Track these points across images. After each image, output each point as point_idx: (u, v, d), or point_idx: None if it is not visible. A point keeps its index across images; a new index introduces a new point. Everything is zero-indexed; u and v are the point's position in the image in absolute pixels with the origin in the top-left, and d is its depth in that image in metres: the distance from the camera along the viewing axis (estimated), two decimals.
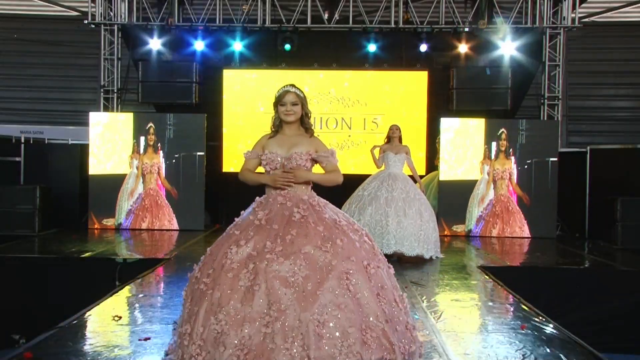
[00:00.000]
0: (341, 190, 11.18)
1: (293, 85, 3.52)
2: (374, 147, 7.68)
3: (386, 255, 6.95)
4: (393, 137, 7.45)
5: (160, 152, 9.78)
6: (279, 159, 3.44)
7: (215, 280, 3.10)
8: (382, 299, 3.13)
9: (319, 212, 3.31)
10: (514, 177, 9.68)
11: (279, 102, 3.51)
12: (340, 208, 7.36)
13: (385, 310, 3.11)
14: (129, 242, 8.68)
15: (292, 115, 3.48)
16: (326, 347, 2.90)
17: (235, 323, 2.97)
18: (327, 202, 3.49)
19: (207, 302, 3.07)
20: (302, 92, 3.52)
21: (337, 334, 2.93)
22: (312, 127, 3.56)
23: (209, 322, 3.02)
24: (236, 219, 3.41)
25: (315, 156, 3.47)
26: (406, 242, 6.98)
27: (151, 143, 9.79)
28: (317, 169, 3.55)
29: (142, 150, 9.78)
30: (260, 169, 3.55)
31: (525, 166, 9.64)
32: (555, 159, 9.56)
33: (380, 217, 7.05)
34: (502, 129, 9.72)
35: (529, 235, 9.58)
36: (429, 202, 7.66)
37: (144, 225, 9.76)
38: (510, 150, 9.67)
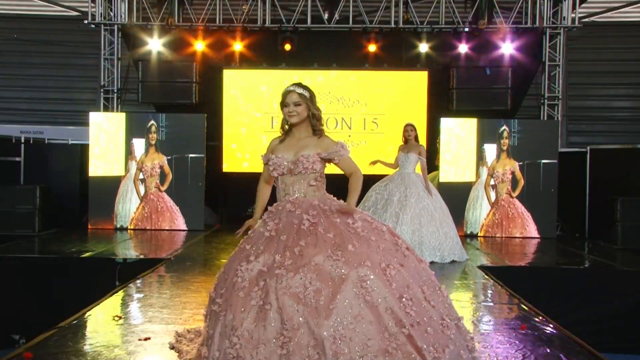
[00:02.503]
0: (343, 191, 11.19)
1: (299, 84, 3.33)
2: (372, 162, 7.51)
3: None
4: (408, 138, 7.39)
5: (160, 152, 9.66)
6: (285, 163, 3.24)
7: (228, 300, 2.94)
8: (407, 301, 2.89)
9: (329, 217, 3.12)
10: (517, 171, 9.51)
11: (283, 102, 3.31)
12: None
13: (411, 313, 2.87)
14: (128, 242, 8.68)
15: (295, 117, 3.27)
16: None
17: (250, 345, 2.80)
18: (342, 202, 3.28)
19: (221, 325, 2.92)
20: (308, 90, 3.31)
21: (357, 348, 2.73)
22: (321, 128, 3.32)
23: (224, 345, 2.86)
24: (249, 232, 3.25)
25: (326, 155, 3.25)
26: None
27: (153, 142, 9.67)
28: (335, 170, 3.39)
29: (143, 151, 9.69)
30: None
31: (518, 166, 9.58)
32: (555, 160, 9.54)
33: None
34: (504, 127, 9.63)
35: (537, 236, 9.50)
36: None
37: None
38: (510, 149, 9.59)
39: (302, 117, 3.29)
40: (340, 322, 2.76)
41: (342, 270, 2.88)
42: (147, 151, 9.68)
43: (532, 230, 9.53)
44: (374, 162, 7.46)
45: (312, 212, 3.12)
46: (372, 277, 2.87)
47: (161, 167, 9.67)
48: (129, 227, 9.65)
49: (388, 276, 2.92)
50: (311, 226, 3.07)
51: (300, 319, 2.78)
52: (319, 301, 2.80)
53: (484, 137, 9.68)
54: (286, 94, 3.30)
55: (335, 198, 3.34)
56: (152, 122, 9.71)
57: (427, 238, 6.97)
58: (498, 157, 9.61)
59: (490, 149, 9.67)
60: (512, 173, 9.58)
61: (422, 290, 3.01)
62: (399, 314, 2.84)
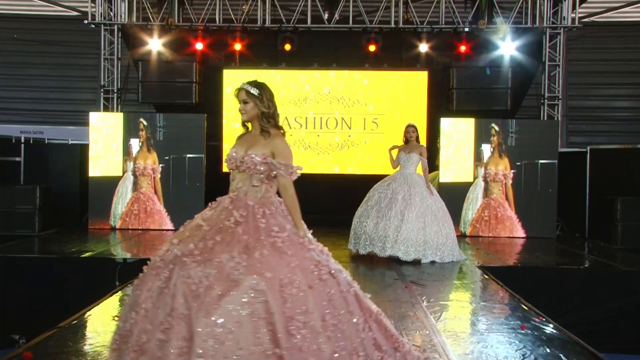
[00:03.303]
0: (344, 191, 11.05)
1: (251, 82, 3.31)
2: (392, 147, 7.57)
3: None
4: (410, 138, 7.41)
5: (154, 152, 9.57)
6: (235, 157, 3.23)
7: (144, 277, 3.01)
8: (298, 323, 2.78)
9: (256, 220, 3.06)
10: (509, 179, 9.49)
11: (237, 99, 3.32)
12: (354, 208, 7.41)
13: (297, 337, 2.77)
14: (128, 242, 8.68)
15: (244, 115, 3.29)
16: None
17: (141, 323, 2.85)
18: (282, 212, 3.17)
19: (132, 298, 3.00)
20: (259, 88, 3.27)
21: (225, 354, 2.68)
22: (268, 128, 3.24)
23: (128, 318, 2.93)
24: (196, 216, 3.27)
25: (269, 162, 3.17)
26: (402, 247, 6.96)
27: (142, 140, 9.59)
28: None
29: (134, 151, 9.64)
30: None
31: (514, 170, 9.53)
32: (555, 160, 9.53)
33: (379, 220, 7.07)
34: (493, 124, 9.59)
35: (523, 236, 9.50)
36: None
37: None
38: (504, 148, 9.55)
39: (251, 115, 3.28)
40: (219, 324, 2.72)
41: (239, 274, 2.83)
42: (140, 149, 9.63)
43: (520, 234, 9.49)
44: (392, 148, 7.51)
45: (242, 212, 3.09)
46: (265, 289, 2.79)
47: (153, 170, 9.57)
48: (118, 224, 9.59)
49: (285, 293, 2.82)
50: (234, 224, 3.05)
51: (186, 310, 2.77)
52: (206, 297, 2.78)
53: (481, 137, 9.66)
54: (237, 91, 3.31)
55: (281, 205, 3.21)
56: (141, 119, 9.63)
57: (431, 237, 7.01)
58: (491, 155, 9.57)
59: (488, 149, 9.65)
60: (505, 176, 9.53)
61: (324, 319, 2.88)
62: (280, 334, 2.74)
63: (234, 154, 3.25)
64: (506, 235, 9.49)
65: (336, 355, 2.86)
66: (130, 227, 9.52)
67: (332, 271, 3.06)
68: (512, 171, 9.54)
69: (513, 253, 8.31)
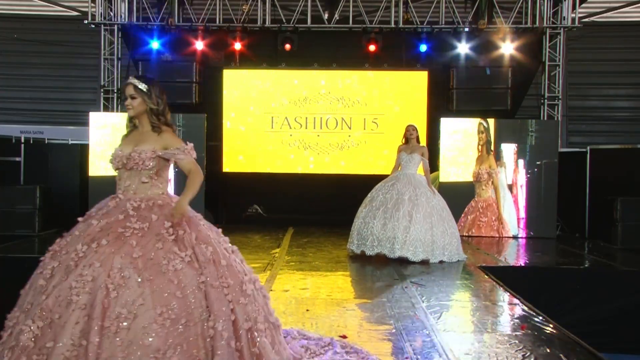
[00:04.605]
0: (344, 191, 10.97)
1: (140, 77, 3.24)
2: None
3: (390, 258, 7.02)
4: (410, 137, 7.41)
5: None
6: (121, 156, 3.18)
7: None
8: (116, 315, 2.71)
9: (123, 212, 3.05)
10: (495, 178, 9.34)
11: (122, 95, 3.25)
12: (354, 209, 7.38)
13: (111, 328, 2.69)
14: None
15: (131, 110, 3.20)
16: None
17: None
18: (159, 206, 3.13)
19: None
20: (148, 84, 3.20)
21: (39, 345, 2.76)
22: (160, 124, 3.21)
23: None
24: None
25: (163, 154, 3.16)
26: (411, 248, 6.93)
27: None
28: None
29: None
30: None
31: (536, 169, 9.43)
32: (555, 160, 9.53)
33: (386, 221, 7.04)
34: (480, 121, 9.49)
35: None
36: None
37: None
38: (492, 146, 9.43)
39: (138, 111, 3.21)
40: (41, 317, 2.81)
41: (73, 265, 2.88)
42: None
43: (488, 234, 9.40)
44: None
45: (111, 203, 3.16)
46: (89, 280, 2.78)
47: None
48: None
49: (110, 284, 2.76)
50: (103, 216, 3.09)
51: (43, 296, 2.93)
52: (49, 286, 2.93)
53: (500, 137, 9.56)
54: (123, 87, 3.25)
55: (170, 200, 3.21)
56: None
57: (438, 237, 7.02)
58: (479, 153, 9.52)
59: (507, 149, 9.54)
60: (489, 174, 9.44)
61: (160, 312, 2.74)
62: (94, 326, 2.68)
63: (119, 152, 3.21)
64: (467, 232, 9.36)
65: (170, 351, 2.71)
66: None
67: (192, 261, 2.91)
68: (498, 168, 9.43)
69: (513, 253, 8.30)
